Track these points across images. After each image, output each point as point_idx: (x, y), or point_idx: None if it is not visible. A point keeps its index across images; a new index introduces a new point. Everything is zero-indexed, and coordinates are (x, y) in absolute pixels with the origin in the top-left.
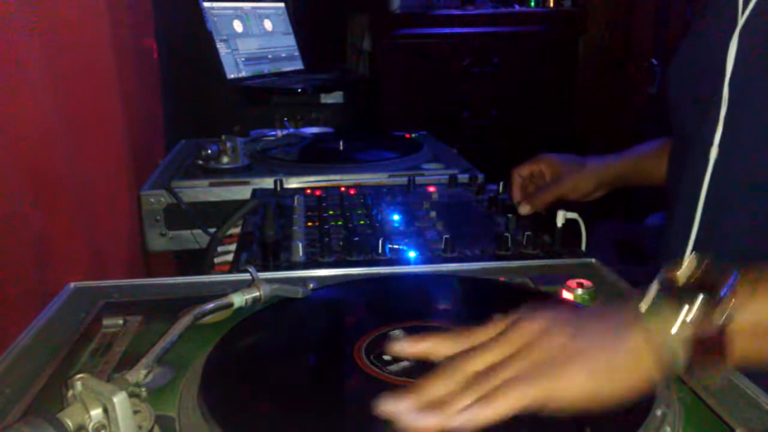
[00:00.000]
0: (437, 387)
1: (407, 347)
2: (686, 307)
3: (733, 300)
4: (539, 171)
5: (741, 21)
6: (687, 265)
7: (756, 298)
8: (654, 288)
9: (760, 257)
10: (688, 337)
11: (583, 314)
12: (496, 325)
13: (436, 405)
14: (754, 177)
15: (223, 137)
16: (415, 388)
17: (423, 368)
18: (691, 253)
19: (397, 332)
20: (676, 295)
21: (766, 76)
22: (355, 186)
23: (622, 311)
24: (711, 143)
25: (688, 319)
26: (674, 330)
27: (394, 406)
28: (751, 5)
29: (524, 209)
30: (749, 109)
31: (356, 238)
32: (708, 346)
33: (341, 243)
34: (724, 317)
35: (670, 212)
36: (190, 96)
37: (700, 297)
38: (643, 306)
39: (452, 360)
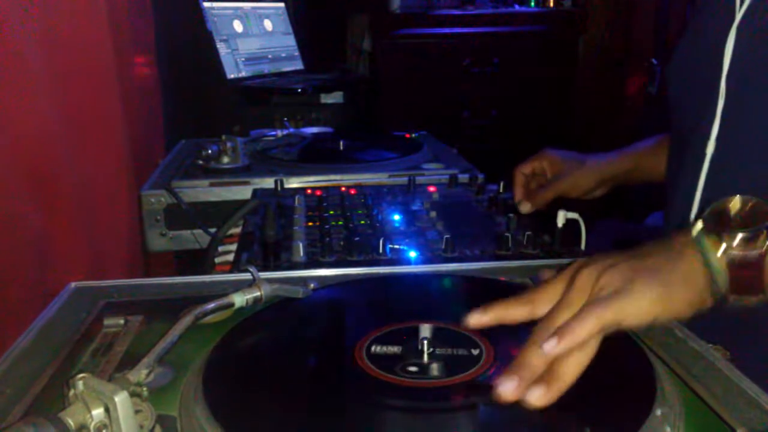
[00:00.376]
0: (533, 355)
1: (480, 319)
2: (730, 235)
3: None
4: (541, 168)
5: (738, 16)
6: (735, 201)
7: None
8: (705, 217)
9: None
10: (730, 262)
11: (638, 249)
12: (555, 282)
13: (544, 372)
14: (751, 171)
15: (224, 137)
16: (517, 363)
17: (422, 365)
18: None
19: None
20: (723, 224)
21: (763, 70)
22: (356, 186)
23: (675, 238)
24: (708, 138)
25: (733, 244)
26: (719, 254)
27: (507, 387)
28: (748, 0)
29: (525, 207)
30: (746, 103)
31: (357, 238)
32: (747, 271)
33: (342, 243)
34: (763, 247)
35: (668, 209)
36: (191, 96)
37: (743, 228)
38: (694, 231)
39: (536, 328)
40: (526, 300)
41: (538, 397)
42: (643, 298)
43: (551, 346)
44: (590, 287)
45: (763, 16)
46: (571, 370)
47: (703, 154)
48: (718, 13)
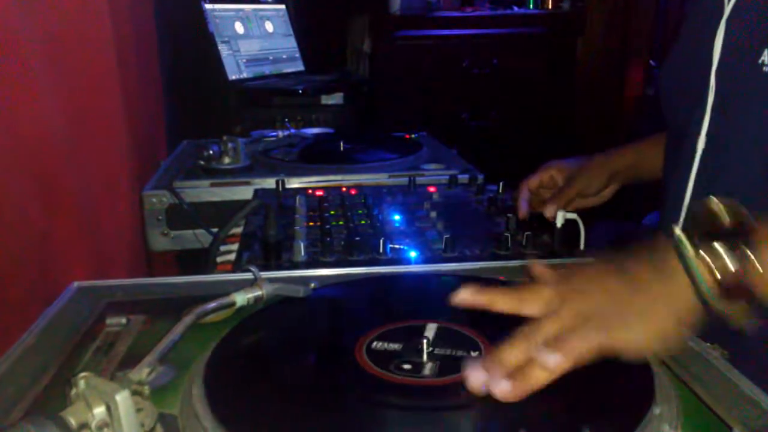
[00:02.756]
0: (511, 354)
1: (469, 297)
2: (714, 252)
3: (758, 251)
4: (549, 178)
5: (727, 10)
6: (714, 209)
7: None
8: (687, 229)
9: None
10: (717, 278)
11: (627, 266)
12: (546, 288)
13: (515, 371)
14: (740, 166)
15: (225, 138)
16: (492, 357)
17: (421, 367)
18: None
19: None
20: (707, 237)
21: (750, 64)
22: (356, 186)
23: (662, 256)
24: (699, 133)
25: (718, 263)
26: (707, 274)
27: (476, 376)
28: None
29: (550, 211)
30: (735, 98)
31: (357, 238)
32: (735, 290)
33: (342, 243)
34: (748, 264)
35: (663, 205)
36: (192, 97)
37: (727, 244)
38: (680, 247)
39: (521, 331)
40: (516, 296)
41: (503, 392)
42: (641, 329)
43: (553, 361)
44: (584, 308)
45: (751, 10)
46: (543, 377)
47: (694, 150)
48: (708, 8)
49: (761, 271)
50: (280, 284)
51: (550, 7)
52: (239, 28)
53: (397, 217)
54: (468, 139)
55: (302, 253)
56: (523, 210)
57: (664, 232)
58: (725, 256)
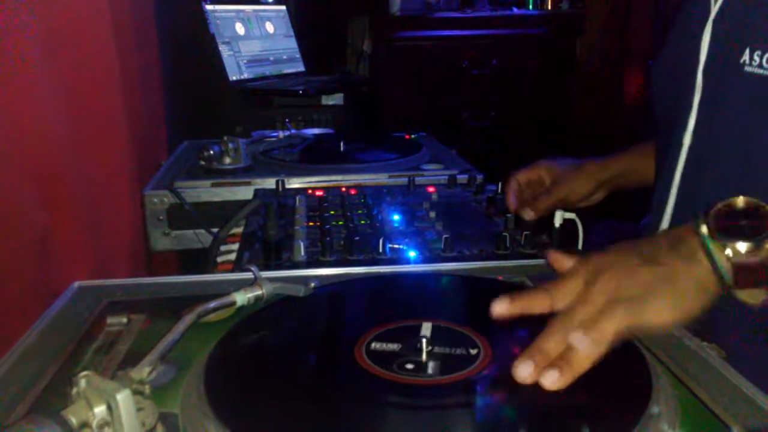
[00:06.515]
0: (550, 342)
1: (509, 308)
2: (736, 242)
3: None
4: (538, 177)
5: (714, 10)
6: (737, 202)
7: None
8: (708, 220)
9: None
10: (736, 265)
11: (648, 248)
12: (573, 279)
13: (558, 359)
14: (725, 163)
15: (225, 138)
16: (533, 348)
17: (419, 364)
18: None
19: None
20: (728, 228)
21: (733, 64)
22: (356, 186)
23: (686, 239)
24: (685, 130)
25: (739, 251)
26: (725, 260)
27: (524, 367)
28: None
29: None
30: (721, 96)
31: (357, 238)
32: (753, 272)
33: (342, 242)
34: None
35: (652, 204)
36: (193, 97)
37: (747, 237)
38: (701, 234)
39: (557, 318)
40: (547, 294)
41: (552, 381)
42: (664, 307)
43: (579, 339)
44: (610, 289)
45: (735, 11)
46: (584, 361)
47: (680, 146)
48: (696, 9)
49: None
50: (280, 284)
51: (549, 7)
52: (240, 29)
53: (396, 217)
54: (468, 139)
55: (302, 252)
56: (512, 203)
57: (653, 228)
58: (748, 253)
